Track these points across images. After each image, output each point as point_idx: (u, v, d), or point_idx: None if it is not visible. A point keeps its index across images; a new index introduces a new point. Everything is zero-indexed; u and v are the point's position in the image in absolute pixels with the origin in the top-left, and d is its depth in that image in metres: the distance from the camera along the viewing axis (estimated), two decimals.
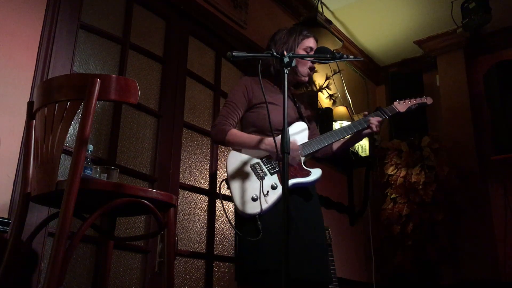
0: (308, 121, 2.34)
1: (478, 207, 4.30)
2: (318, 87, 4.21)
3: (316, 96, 4.08)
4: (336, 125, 4.07)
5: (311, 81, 2.43)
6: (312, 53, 2.34)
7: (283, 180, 1.69)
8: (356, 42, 4.90)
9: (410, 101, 2.39)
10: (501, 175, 4.35)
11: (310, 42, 2.34)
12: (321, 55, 2.13)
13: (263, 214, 2.00)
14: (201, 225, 3.00)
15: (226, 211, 2.23)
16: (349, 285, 4.00)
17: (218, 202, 3.13)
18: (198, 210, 3.01)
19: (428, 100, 2.43)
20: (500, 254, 4.18)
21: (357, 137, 2.31)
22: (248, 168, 2.10)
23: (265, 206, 2.01)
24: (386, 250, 4.38)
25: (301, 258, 1.96)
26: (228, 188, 2.09)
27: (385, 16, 4.48)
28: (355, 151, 4.25)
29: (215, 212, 3.10)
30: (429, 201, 4.10)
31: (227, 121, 2.18)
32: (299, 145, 2.17)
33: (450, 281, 4.25)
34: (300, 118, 2.32)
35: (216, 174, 3.15)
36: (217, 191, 2.31)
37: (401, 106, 2.38)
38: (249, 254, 2.01)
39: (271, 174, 2.09)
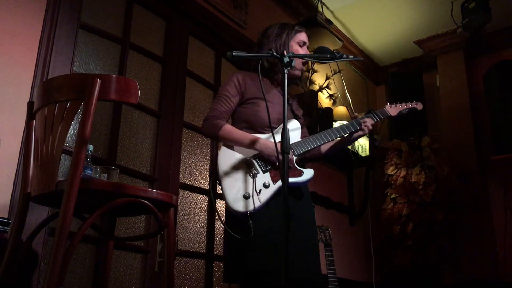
0: (300, 121, 2.33)
1: (478, 207, 4.29)
2: (318, 87, 4.21)
3: (316, 96, 4.08)
4: (336, 125, 4.06)
5: (302, 78, 2.41)
6: (305, 46, 2.33)
7: (283, 180, 1.69)
8: (356, 42, 4.90)
9: (401, 106, 2.41)
10: (501, 175, 4.34)
11: (303, 36, 2.32)
12: (321, 55, 2.13)
13: (255, 212, 1.98)
14: (201, 225, 3.00)
15: (217, 210, 2.19)
16: (349, 285, 4.00)
17: (218, 201, 3.13)
18: (198, 210, 3.01)
19: (419, 106, 2.44)
20: (500, 254, 4.18)
21: (348, 140, 2.30)
22: (240, 165, 2.07)
23: (257, 204, 1.98)
24: (386, 250, 4.38)
25: (294, 258, 1.95)
26: (219, 185, 2.06)
27: (385, 16, 4.48)
28: (355, 151, 4.26)
29: (215, 212, 3.10)
30: (429, 201, 4.10)
31: (221, 115, 2.15)
32: (292, 144, 2.15)
33: (450, 281, 4.25)
34: (294, 116, 2.31)
35: (213, 172, 3.14)
36: (211, 191, 2.28)
37: (392, 110, 2.39)
38: (241, 254, 1.98)
39: (264, 172, 2.06)
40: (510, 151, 4.01)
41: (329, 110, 4.10)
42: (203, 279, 2.92)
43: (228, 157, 2.11)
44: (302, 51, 2.30)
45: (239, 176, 2.05)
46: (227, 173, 2.07)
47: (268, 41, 2.28)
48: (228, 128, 2.12)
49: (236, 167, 2.07)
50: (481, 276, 4.10)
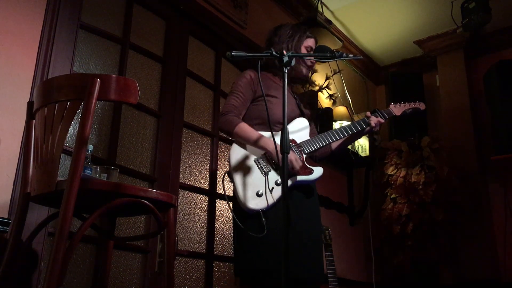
0: (308, 119, 2.35)
1: (478, 207, 4.30)
2: (318, 87, 4.21)
3: (316, 96, 4.08)
4: (336, 125, 4.08)
5: (309, 79, 2.45)
6: (311, 52, 2.38)
7: (283, 180, 1.69)
8: (356, 42, 4.90)
9: (405, 105, 2.47)
10: (501, 175, 4.34)
11: (311, 42, 2.38)
12: (321, 54, 2.15)
13: (267, 210, 1.99)
14: (201, 225, 3.00)
15: (229, 203, 2.18)
16: (349, 285, 4.00)
17: (218, 201, 3.13)
18: (198, 210, 3.01)
19: (422, 106, 2.50)
20: (500, 254, 4.18)
21: (356, 136, 2.35)
22: (252, 163, 2.09)
23: (271, 201, 2.00)
24: (386, 250, 4.38)
25: (299, 258, 1.96)
26: (231, 181, 2.08)
27: (385, 16, 4.48)
28: (355, 151, 4.25)
29: (215, 212, 3.10)
30: (429, 201, 4.10)
31: (236, 110, 2.18)
32: (302, 142, 2.17)
33: (450, 281, 4.25)
34: (302, 114, 2.33)
35: (216, 174, 3.15)
36: (221, 183, 2.31)
37: (397, 109, 2.45)
38: (252, 251, 1.99)
39: (275, 170, 2.08)
40: (510, 151, 4.01)
41: (329, 110, 4.10)
42: (203, 279, 2.92)
43: (239, 154, 2.13)
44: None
45: (251, 173, 2.06)
46: (239, 171, 2.07)
47: (280, 41, 2.31)
48: (243, 126, 2.13)
49: (248, 165, 2.09)
50: (480, 276, 4.10)
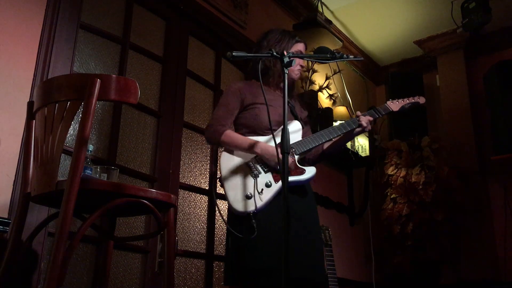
0: (303, 122, 2.34)
1: (478, 207, 4.30)
2: (318, 87, 4.21)
3: (316, 96, 4.09)
4: (336, 125, 4.07)
5: (295, 85, 2.45)
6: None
7: (283, 180, 1.69)
8: (356, 42, 4.90)
9: (403, 101, 2.43)
10: (501, 175, 4.34)
11: (302, 47, 2.36)
12: (321, 55, 2.15)
13: (258, 212, 1.99)
14: (201, 225, 3.00)
15: (219, 209, 2.21)
16: (349, 285, 4.00)
17: (218, 201, 3.13)
18: (198, 210, 3.01)
19: (421, 100, 2.46)
20: (500, 254, 4.18)
21: (348, 137, 2.31)
22: (242, 167, 2.10)
23: (259, 204, 2.00)
24: (386, 250, 4.38)
25: (295, 258, 1.95)
26: (222, 186, 2.09)
27: (385, 16, 4.48)
28: (355, 151, 4.26)
29: (215, 212, 3.10)
30: (429, 201, 4.10)
31: (222, 122, 2.18)
32: (293, 143, 2.17)
33: (450, 281, 4.25)
34: (294, 118, 2.32)
35: (216, 174, 3.15)
36: (212, 190, 2.32)
37: (394, 105, 2.41)
38: (244, 253, 1.99)
39: (265, 172, 2.08)
40: (510, 151, 4.01)
41: (329, 110, 4.10)
42: (203, 279, 2.92)
43: (229, 160, 2.14)
44: (297, 61, 2.32)
45: (241, 177, 2.07)
46: (229, 175, 2.09)
47: (268, 45, 2.30)
48: (230, 133, 2.16)
49: (237, 169, 2.10)
50: (481, 276, 4.10)
